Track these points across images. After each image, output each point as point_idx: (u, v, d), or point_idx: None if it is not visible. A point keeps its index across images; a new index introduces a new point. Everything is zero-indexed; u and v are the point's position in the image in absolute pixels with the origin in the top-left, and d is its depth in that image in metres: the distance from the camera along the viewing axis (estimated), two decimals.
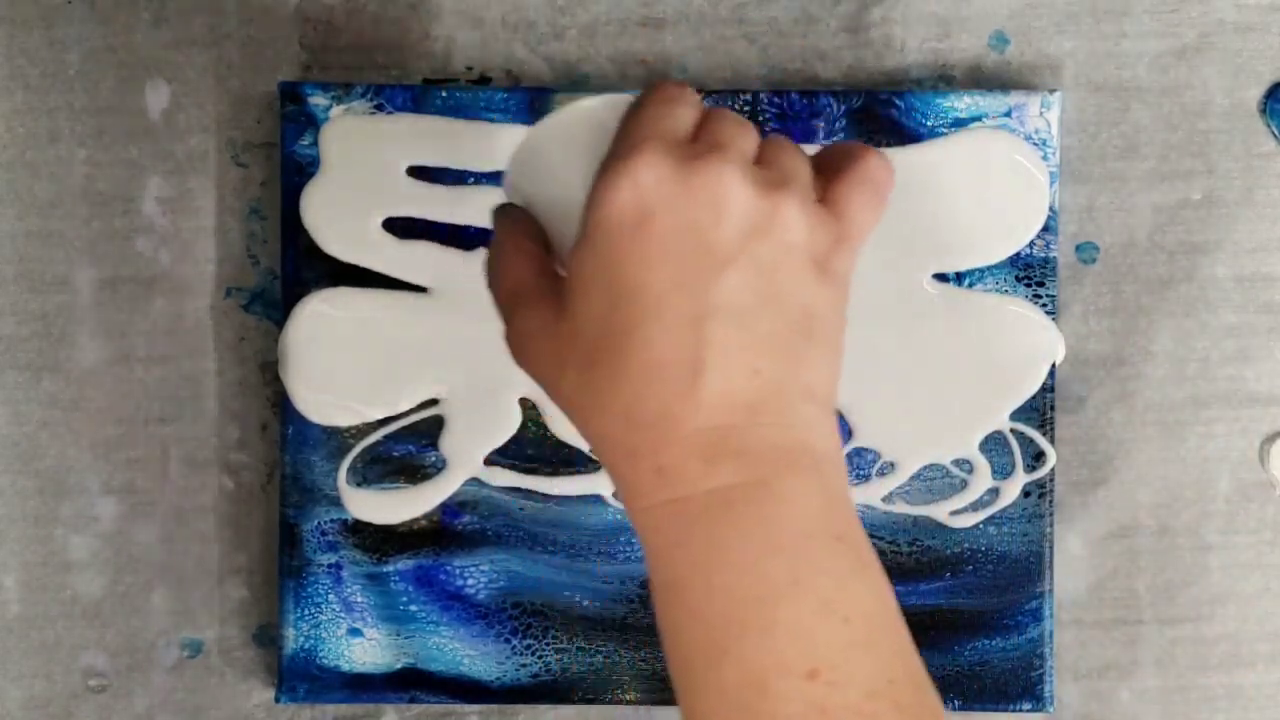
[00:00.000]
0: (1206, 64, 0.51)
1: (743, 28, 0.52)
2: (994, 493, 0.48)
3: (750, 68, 0.52)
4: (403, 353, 0.48)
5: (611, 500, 0.49)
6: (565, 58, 0.52)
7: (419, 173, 0.49)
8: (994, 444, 0.48)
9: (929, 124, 0.48)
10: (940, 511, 0.48)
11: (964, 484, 0.48)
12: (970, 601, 0.48)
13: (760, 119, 0.49)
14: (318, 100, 0.49)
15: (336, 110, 0.49)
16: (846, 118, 0.49)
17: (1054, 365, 0.48)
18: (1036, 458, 0.48)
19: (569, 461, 0.49)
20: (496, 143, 0.49)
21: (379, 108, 0.49)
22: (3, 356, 0.53)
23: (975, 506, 0.48)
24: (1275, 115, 0.51)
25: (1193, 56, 0.51)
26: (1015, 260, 0.48)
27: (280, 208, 0.50)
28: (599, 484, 0.48)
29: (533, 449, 0.49)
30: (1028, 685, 0.48)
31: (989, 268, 0.48)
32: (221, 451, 0.53)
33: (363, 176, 0.49)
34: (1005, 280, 0.48)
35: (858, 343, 0.45)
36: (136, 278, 0.53)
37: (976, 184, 0.48)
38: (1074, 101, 0.51)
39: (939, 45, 0.52)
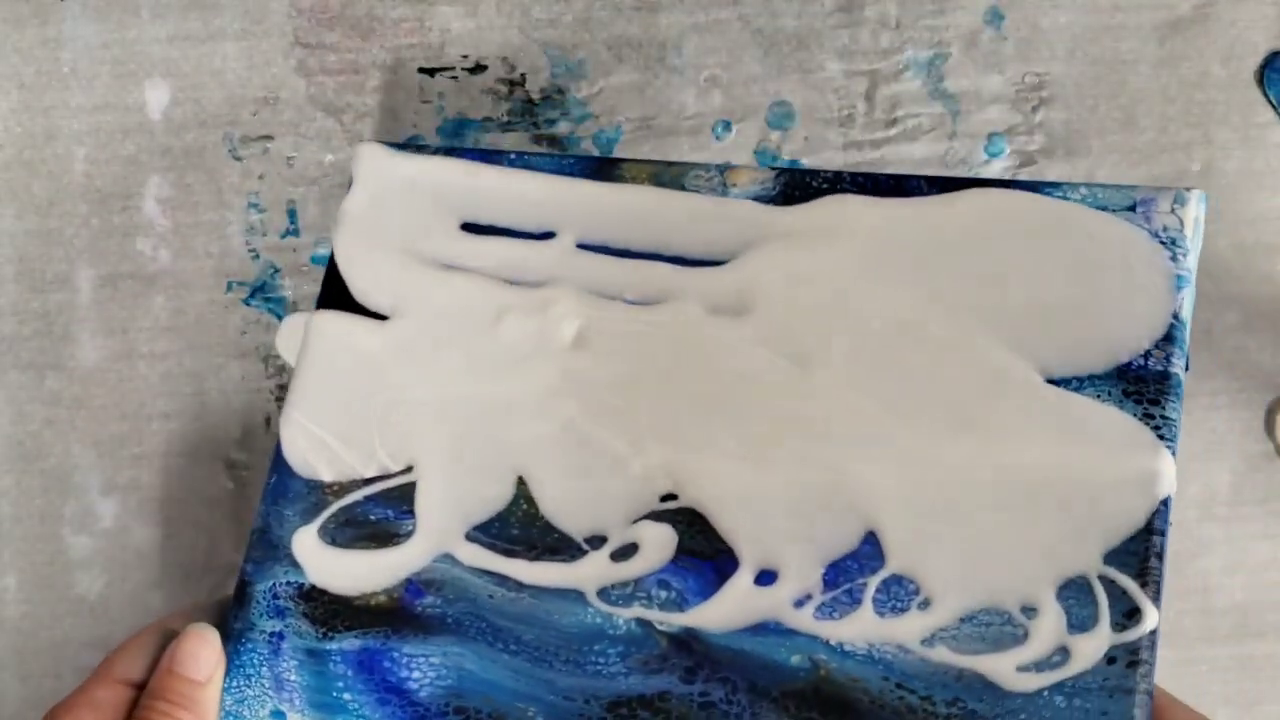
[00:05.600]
0: (1203, 35, 0.51)
1: (737, 9, 0.52)
2: (1065, 652, 0.38)
3: (745, 49, 0.52)
4: (403, 398, 0.44)
5: (594, 599, 0.41)
6: (561, 44, 0.53)
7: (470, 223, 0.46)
8: (1074, 590, 0.38)
9: None
10: (994, 666, 0.38)
11: (1025, 635, 0.38)
12: None
13: (841, 193, 0.43)
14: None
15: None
16: None
17: (1166, 503, 0.38)
18: (1129, 615, 0.37)
19: (554, 549, 0.41)
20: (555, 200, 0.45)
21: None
22: (4, 356, 0.53)
23: (1040, 666, 0.38)
24: (1273, 85, 0.51)
25: (1189, 28, 0.51)
26: (1125, 371, 0.39)
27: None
28: (582, 577, 0.41)
29: (518, 528, 0.42)
30: None
31: (1092, 377, 0.40)
32: (224, 447, 0.53)
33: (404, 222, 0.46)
34: (1110, 395, 0.39)
35: (910, 442, 0.40)
36: (137, 274, 0.53)
37: (1087, 272, 0.40)
38: (1071, 75, 0.51)
39: (934, 22, 0.52)
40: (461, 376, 0.43)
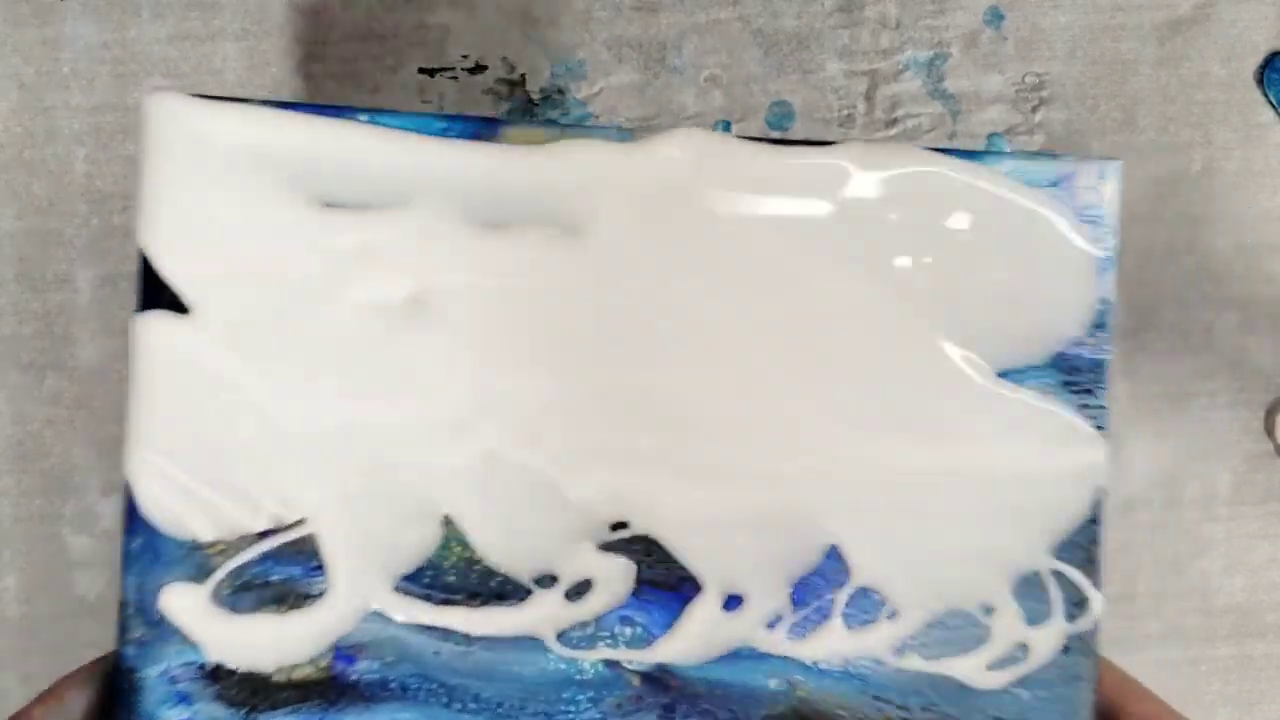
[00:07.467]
0: (1203, 35, 0.51)
1: (737, 9, 0.52)
2: (1024, 648, 0.38)
3: (745, 49, 0.52)
4: (271, 422, 0.36)
5: (553, 645, 0.37)
6: (561, 44, 0.53)
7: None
8: (1028, 586, 0.38)
9: None
10: (962, 668, 0.38)
11: (989, 634, 0.38)
12: None
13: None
14: None
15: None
16: None
17: (1101, 493, 0.38)
18: (1079, 604, 0.38)
19: (500, 594, 0.37)
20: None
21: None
22: (4, 356, 0.53)
23: (1004, 663, 0.38)
24: (1273, 85, 0.51)
25: (1189, 28, 0.51)
26: (1060, 361, 0.38)
27: None
28: (536, 621, 0.37)
29: (454, 574, 0.37)
30: None
31: (1031, 368, 0.38)
32: None
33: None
34: (1051, 385, 0.38)
35: (860, 450, 0.38)
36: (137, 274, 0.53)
37: (1017, 254, 0.38)
38: (1071, 75, 0.51)
39: (934, 22, 0.52)
40: (339, 391, 0.36)
